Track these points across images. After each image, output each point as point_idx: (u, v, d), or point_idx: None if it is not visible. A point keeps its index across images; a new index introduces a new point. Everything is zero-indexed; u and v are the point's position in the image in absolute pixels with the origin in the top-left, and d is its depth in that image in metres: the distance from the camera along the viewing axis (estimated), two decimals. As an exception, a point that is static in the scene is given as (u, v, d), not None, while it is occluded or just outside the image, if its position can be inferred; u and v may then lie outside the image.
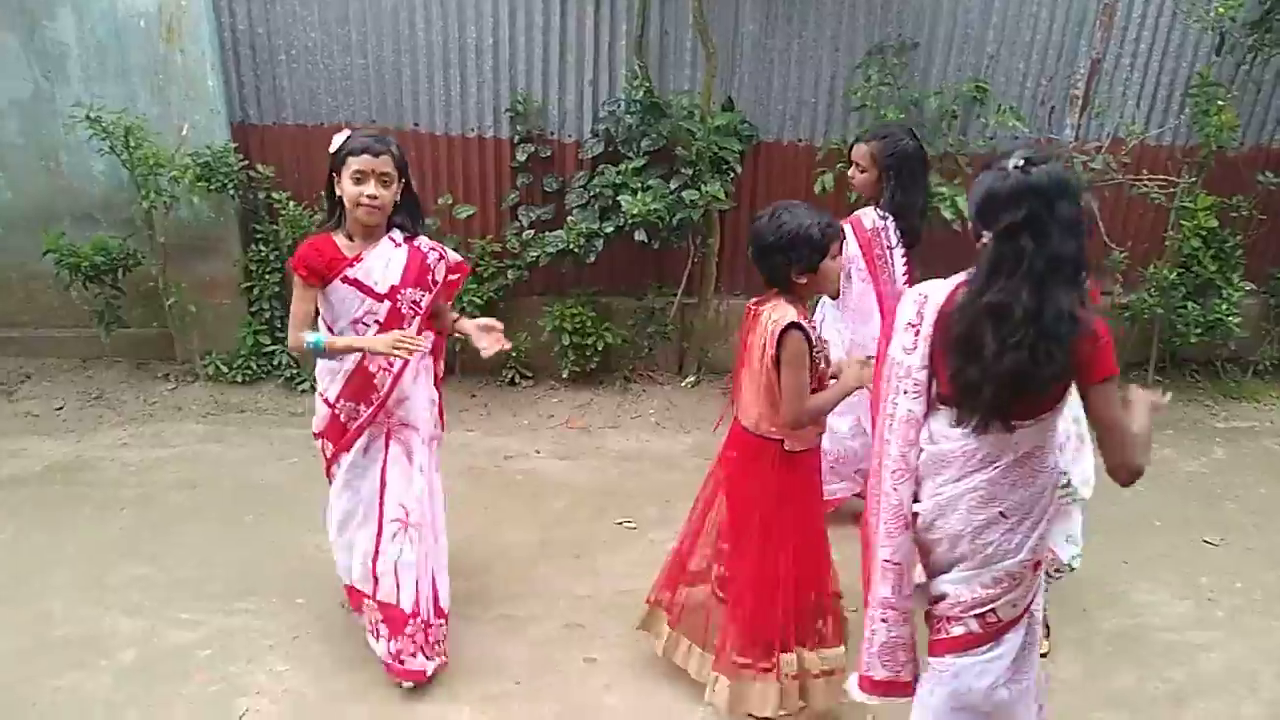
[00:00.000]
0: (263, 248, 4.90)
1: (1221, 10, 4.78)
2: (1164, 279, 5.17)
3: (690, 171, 4.81)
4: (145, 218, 4.74)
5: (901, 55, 5.00)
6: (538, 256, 4.94)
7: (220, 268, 4.96)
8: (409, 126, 4.97)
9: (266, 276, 4.93)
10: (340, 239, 2.77)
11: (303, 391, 4.95)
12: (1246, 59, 5.08)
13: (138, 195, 4.60)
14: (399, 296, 2.78)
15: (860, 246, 3.59)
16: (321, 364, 2.89)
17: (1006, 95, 5.13)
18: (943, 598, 2.28)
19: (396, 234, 2.80)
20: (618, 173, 4.80)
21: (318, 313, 2.78)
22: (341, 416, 2.89)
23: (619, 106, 4.89)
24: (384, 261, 2.77)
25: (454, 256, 2.95)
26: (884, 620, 2.32)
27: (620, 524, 3.96)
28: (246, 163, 4.80)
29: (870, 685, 2.37)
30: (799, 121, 5.17)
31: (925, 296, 2.20)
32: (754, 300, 2.74)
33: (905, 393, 2.22)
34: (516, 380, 5.21)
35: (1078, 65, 5.17)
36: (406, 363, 2.80)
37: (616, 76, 4.99)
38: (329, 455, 2.99)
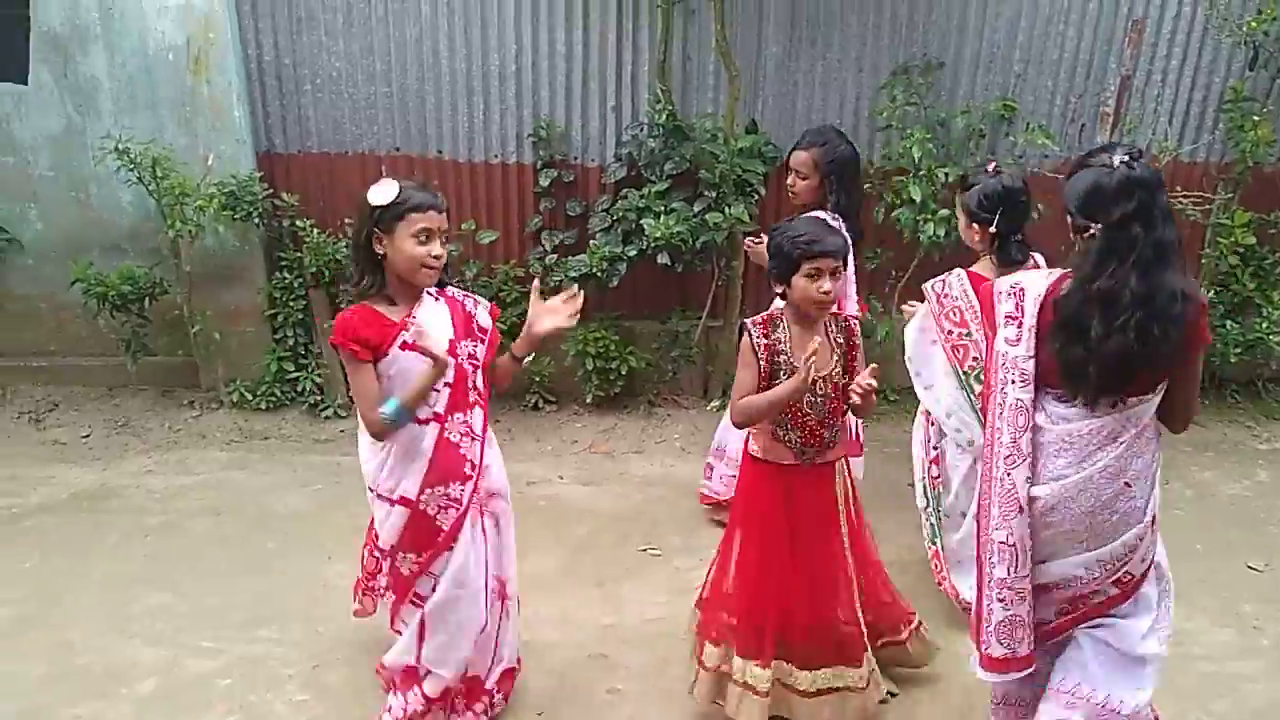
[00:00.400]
0: (287, 275, 4.93)
1: (1255, 24, 4.69)
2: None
3: (714, 194, 4.78)
4: (171, 247, 4.79)
5: (927, 75, 4.95)
6: (561, 281, 4.92)
7: (245, 296, 4.99)
8: (432, 154, 4.99)
9: (290, 304, 4.95)
10: (380, 306, 2.49)
11: (326, 418, 4.95)
12: (1281, 73, 5.00)
13: (164, 225, 4.65)
14: (458, 351, 2.54)
15: None
16: (375, 458, 2.55)
17: (1035, 113, 5.06)
18: (1065, 582, 2.38)
19: (430, 287, 2.57)
20: (641, 196, 4.79)
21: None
22: (430, 509, 2.53)
23: (642, 130, 4.88)
24: (433, 317, 2.52)
25: (484, 300, 2.73)
26: (1000, 600, 2.40)
27: (644, 551, 3.90)
28: (271, 191, 4.84)
29: (989, 663, 2.45)
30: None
31: (1022, 289, 2.32)
32: None
33: (1013, 382, 2.32)
34: (540, 405, 5.18)
35: (1107, 82, 5.09)
36: (486, 420, 2.59)
37: (639, 100, 4.99)
38: (411, 570, 2.58)
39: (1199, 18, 5.00)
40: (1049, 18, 4.97)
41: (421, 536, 2.54)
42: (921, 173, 4.71)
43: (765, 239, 3.62)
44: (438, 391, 2.49)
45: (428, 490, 2.51)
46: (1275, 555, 3.99)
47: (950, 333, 3.24)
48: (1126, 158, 2.17)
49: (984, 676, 2.47)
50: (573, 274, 4.87)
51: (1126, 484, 2.29)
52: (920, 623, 3.07)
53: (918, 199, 4.64)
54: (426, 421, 2.50)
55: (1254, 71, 5.01)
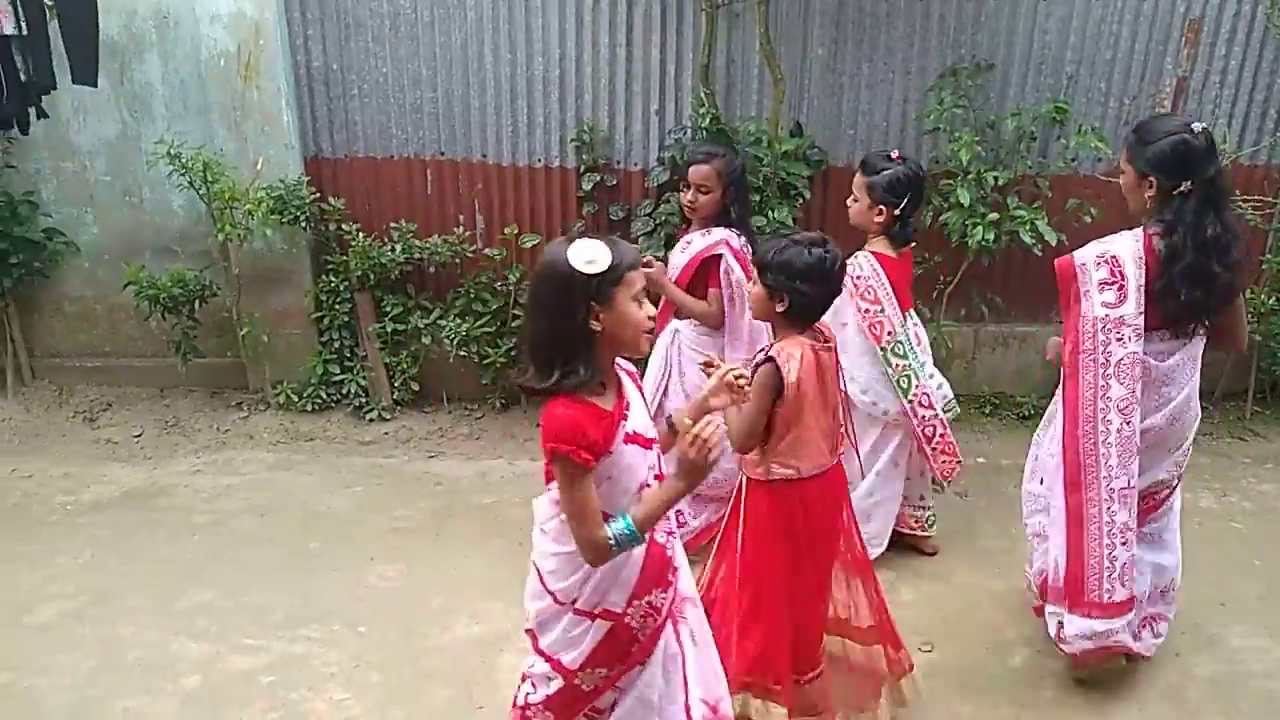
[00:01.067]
0: (333, 278, 4.98)
1: (1316, 22, 4.55)
2: (1262, 305, 4.90)
3: (757, 198, 4.74)
4: (220, 250, 4.87)
5: (976, 77, 4.86)
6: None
7: (292, 298, 5.05)
8: (476, 158, 5.02)
9: (336, 307, 5.00)
10: (588, 395, 2.01)
11: (370, 420, 5.00)
12: (1346, 73, 4.84)
13: (213, 228, 4.73)
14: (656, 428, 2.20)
15: (743, 267, 3.48)
16: (580, 573, 2.08)
17: (1087, 116, 4.95)
18: (1154, 487, 2.92)
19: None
20: (683, 200, 4.76)
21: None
22: (633, 623, 2.11)
23: (685, 134, 4.86)
24: (635, 396, 2.14)
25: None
26: (1124, 543, 2.72)
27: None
28: (318, 195, 4.90)
29: (1113, 609, 2.76)
30: (870, 146, 5.06)
31: (1115, 255, 2.68)
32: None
33: (1119, 340, 2.65)
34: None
35: (1163, 84, 4.97)
36: (679, 516, 2.32)
37: (683, 104, 4.97)
38: (595, 685, 2.15)
39: (1259, 17, 4.86)
40: (1101, 18, 4.87)
41: (617, 651, 2.13)
42: (970, 176, 4.64)
43: (655, 262, 3.57)
44: (649, 485, 2.08)
45: (635, 601, 2.10)
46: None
47: (866, 311, 3.47)
48: (1201, 127, 2.61)
49: (1100, 627, 2.77)
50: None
51: (1191, 393, 2.82)
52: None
53: (966, 202, 4.56)
54: None
55: (1317, 71, 4.86)
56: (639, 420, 2.09)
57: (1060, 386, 2.89)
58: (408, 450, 4.76)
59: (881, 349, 3.47)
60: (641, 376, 2.39)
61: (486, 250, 5.02)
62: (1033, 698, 3.08)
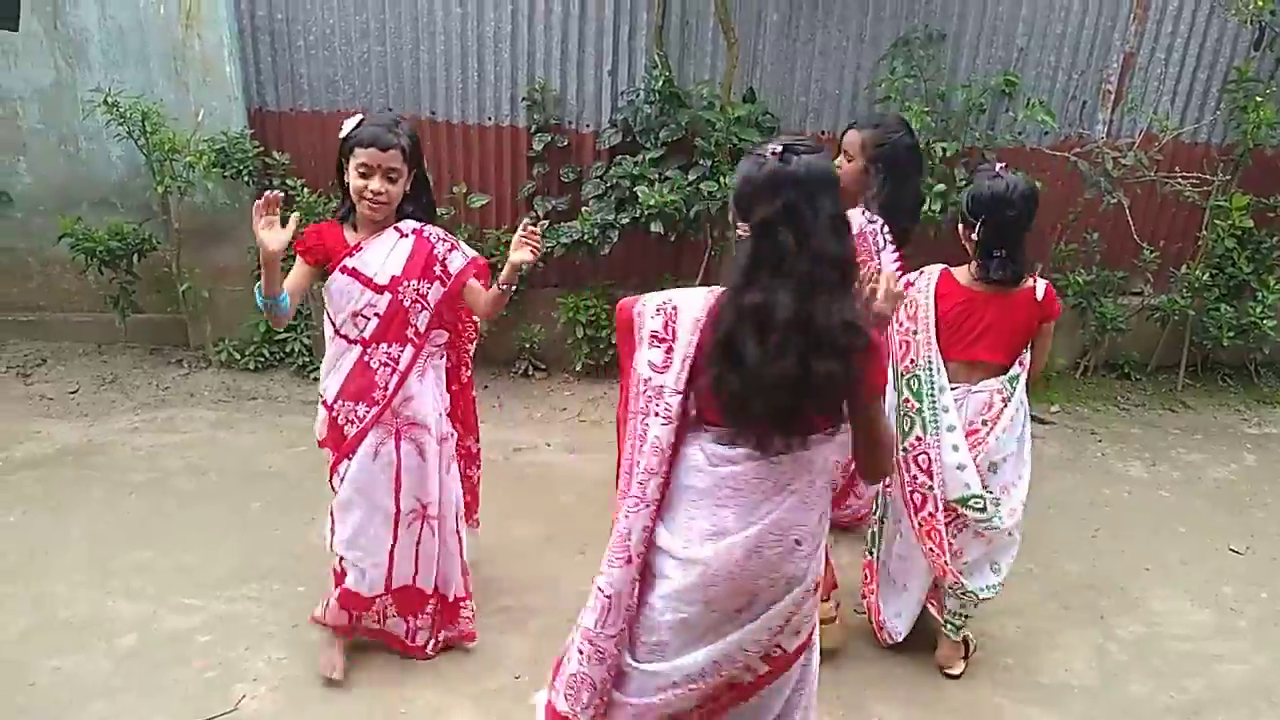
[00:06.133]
0: (277, 235, 4.88)
1: (1261, 3, 4.63)
2: (1197, 280, 5.03)
3: (709, 163, 4.73)
4: (161, 203, 4.75)
5: (928, 48, 4.89)
6: (553, 247, 4.89)
7: (234, 254, 4.95)
8: (426, 114, 4.93)
9: (280, 264, 4.90)
10: (346, 229, 2.68)
11: (314, 379, 4.92)
12: (1286, 54, 4.94)
13: (153, 180, 4.61)
14: (400, 288, 2.65)
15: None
16: (326, 361, 2.78)
17: (1036, 89, 5.01)
18: (719, 665, 2.01)
19: (405, 223, 2.68)
20: (635, 163, 4.74)
21: (318, 302, 2.67)
22: (339, 419, 2.75)
23: (638, 96, 4.83)
24: (385, 251, 2.65)
25: (468, 250, 2.77)
26: (580, 650, 2.10)
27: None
28: (262, 149, 4.79)
29: (551, 714, 2.21)
30: (821, 114, 5.08)
31: (675, 306, 1.98)
32: None
33: (656, 414, 1.97)
34: (530, 372, 5.16)
35: (1111, 59, 5.04)
36: (414, 359, 2.70)
37: (636, 66, 4.93)
38: (330, 461, 2.83)
39: (1205, -4, 4.94)
40: (1054, -9, 4.91)
41: (333, 438, 2.79)
42: (920, 147, 4.66)
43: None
44: (366, 319, 2.66)
45: (340, 401, 2.73)
46: (1258, 538, 4.00)
47: (902, 325, 2.90)
48: (781, 149, 1.83)
49: None
50: (565, 241, 4.84)
51: (796, 541, 1.98)
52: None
53: (914, 173, 4.59)
54: (354, 343, 2.69)
55: (1259, 52, 4.96)
56: (367, 265, 2.62)
57: None
58: (353, 410, 4.71)
59: (899, 373, 2.90)
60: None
61: (434, 209, 4.96)
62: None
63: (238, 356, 4.98)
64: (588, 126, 5.01)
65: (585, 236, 4.78)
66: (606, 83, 4.95)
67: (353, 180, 2.56)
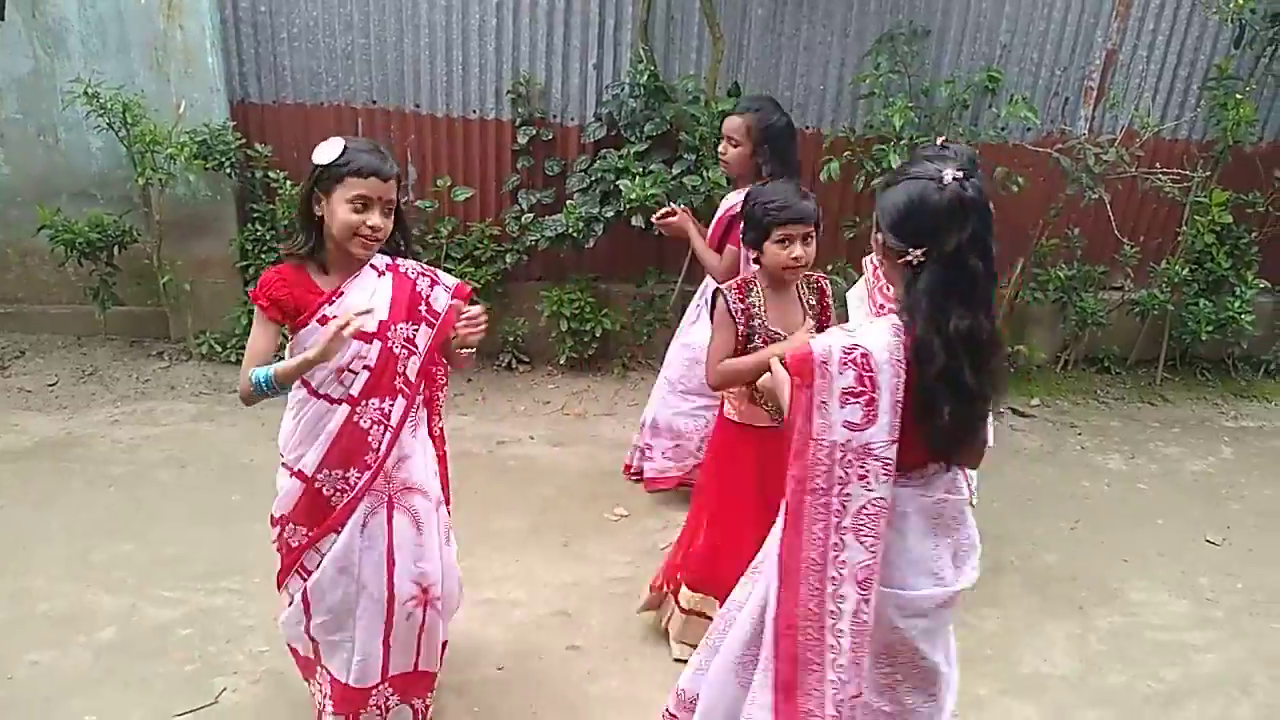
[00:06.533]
0: (259, 227, 4.86)
1: (1241, 2, 4.66)
2: (1176, 275, 5.08)
3: (693, 157, 4.73)
4: (141, 195, 4.72)
5: (912, 43, 4.90)
6: (537, 241, 4.88)
7: (216, 247, 4.92)
8: (409, 107, 4.91)
9: (262, 256, 4.88)
10: (312, 270, 2.28)
11: (298, 373, 4.91)
12: (1266, 52, 4.99)
13: (134, 172, 4.57)
14: (389, 334, 2.29)
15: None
16: (288, 426, 2.35)
17: (1019, 86, 5.03)
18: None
19: (378, 259, 2.31)
20: (620, 157, 4.74)
21: (280, 358, 2.26)
22: (325, 490, 2.34)
23: (623, 90, 4.82)
24: (368, 294, 2.28)
25: (449, 280, 2.42)
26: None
27: (612, 512, 3.91)
28: (244, 141, 4.76)
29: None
30: (806, 109, 5.09)
31: (866, 352, 1.81)
32: None
33: (862, 478, 1.83)
34: (513, 365, 5.16)
35: (1093, 56, 5.07)
36: (406, 412, 2.37)
37: (621, 60, 4.93)
38: (299, 543, 2.41)
39: (1187, -7, 4.98)
40: (1037, -12, 4.94)
41: (314, 512, 2.37)
42: (903, 142, 4.68)
43: (680, 211, 3.67)
44: (355, 374, 2.27)
45: (325, 470, 2.32)
46: (1234, 530, 4.04)
47: (883, 307, 2.81)
48: (960, 172, 1.79)
49: None
50: (549, 234, 4.83)
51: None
52: None
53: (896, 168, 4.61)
54: (339, 401, 2.29)
55: (1239, 50, 4.99)
56: (349, 311, 2.18)
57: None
58: (335, 404, 4.69)
59: None
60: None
61: (418, 203, 4.94)
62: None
63: (219, 349, 4.95)
64: (572, 120, 5.00)
65: (569, 230, 4.77)
66: (591, 76, 4.94)
67: (340, 214, 2.18)
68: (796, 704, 1.92)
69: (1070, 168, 4.85)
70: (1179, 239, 5.23)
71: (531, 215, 4.96)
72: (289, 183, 4.73)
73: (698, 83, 4.84)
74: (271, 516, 2.44)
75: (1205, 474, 4.54)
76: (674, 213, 3.74)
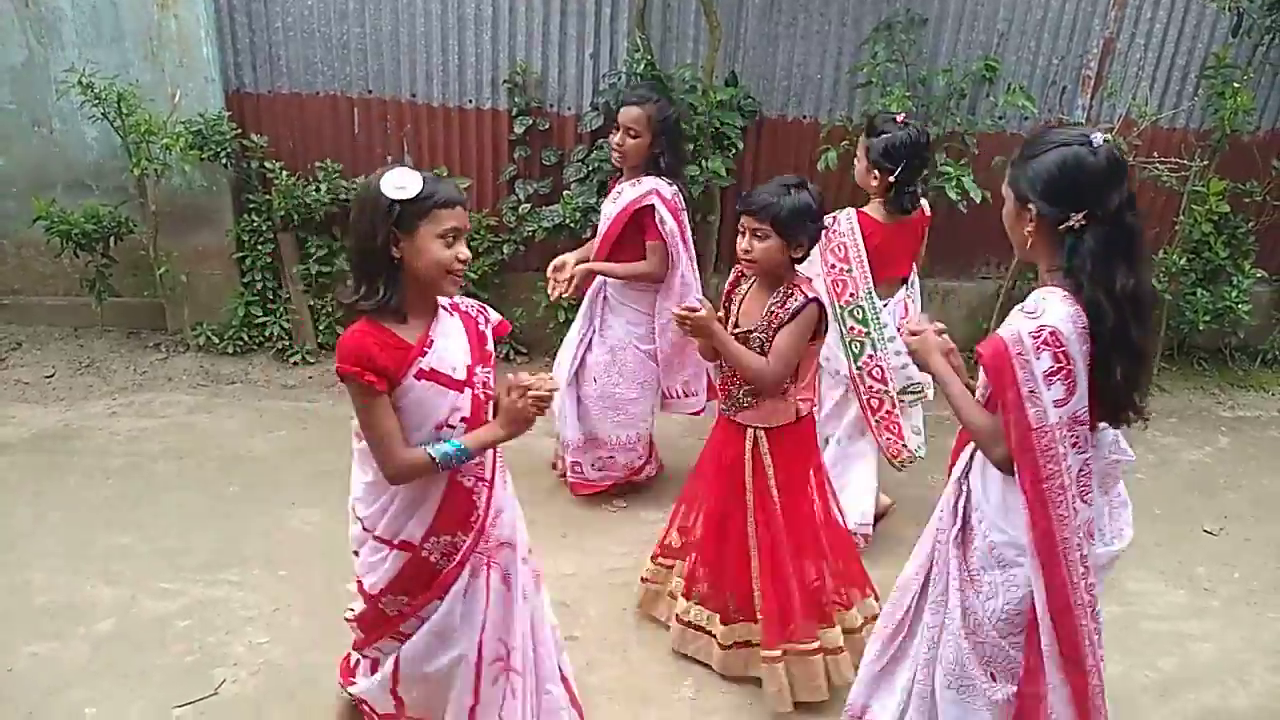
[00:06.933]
0: (255, 218, 4.85)
1: (1239, -11, 4.66)
2: (1173, 264, 5.07)
3: (691, 147, 4.72)
4: (137, 185, 4.70)
5: (910, 32, 4.88)
6: (534, 231, 4.88)
7: (212, 238, 4.91)
8: (405, 96, 4.89)
9: (259, 247, 4.88)
10: (389, 322, 2.05)
11: (293, 364, 4.91)
12: (1264, 40, 4.97)
13: (130, 162, 4.55)
14: (474, 379, 2.14)
15: (675, 218, 3.50)
16: (378, 500, 2.17)
17: (1016, 75, 5.02)
18: None
19: (443, 298, 2.16)
20: (616, 147, 4.72)
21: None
22: (432, 557, 2.19)
23: (620, 79, 4.80)
24: (453, 338, 2.13)
25: (494, 315, 2.31)
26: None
27: (610, 504, 3.91)
28: (240, 131, 4.73)
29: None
30: (803, 98, 5.08)
31: (1054, 330, 1.86)
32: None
33: (1077, 443, 1.91)
34: (511, 356, 5.16)
35: (1090, 45, 5.05)
36: (494, 462, 2.26)
37: (618, 49, 4.91)
38: (398, 611, 2.23)
39: (1184, -19, 4.96)
40: (1034, -24, 4.92)
41: (418, 581, 2.21)
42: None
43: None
44: (453, 428, 2.11)
45: (433, 538, 2.17)
46: (1231, 520, 4.06)
47: (833, 266, 3.33)
48: (1102, 137, 1.88)
49: None
50: (546, 224, 4.82)
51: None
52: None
53: (895, 157, 4.60)
54: None
55: (1236, 38, 4.98)
56: (444, 360, 2.08)
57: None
58: (331, 395, 4.69)
59: (840, 307, 3.32)
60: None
61: (415, 193, 4.92)
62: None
63: (216, 340, 4.95)
64: (569, 109, 4.98)
65: (567, 220, 4.77)
66: (588, 66, 4.92)
67: (430, 251, 1.99)
68: (1085, 678, 2.05)
69: (1068, 157, 4.84)
70: (1176, 228, 5.22)
71: (528, 205, 4.95)
72: (285, 174, 4.71)
73: (695, 72, 4.82)
74: (363, 590, 2.26)
75: (1202, 464, 4.55)
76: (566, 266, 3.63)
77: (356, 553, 2.28)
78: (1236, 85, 4.84)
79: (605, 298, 3.71)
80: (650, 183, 3.49)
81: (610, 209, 3.60)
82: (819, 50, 4.99)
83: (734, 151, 4.87)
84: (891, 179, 3.22)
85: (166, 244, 4.82)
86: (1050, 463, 1.89)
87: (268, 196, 4.80)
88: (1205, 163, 5.09)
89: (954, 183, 4.59)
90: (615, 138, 3.49)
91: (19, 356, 4.90)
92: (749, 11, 4.89)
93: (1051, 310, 1.86)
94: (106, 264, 4.77)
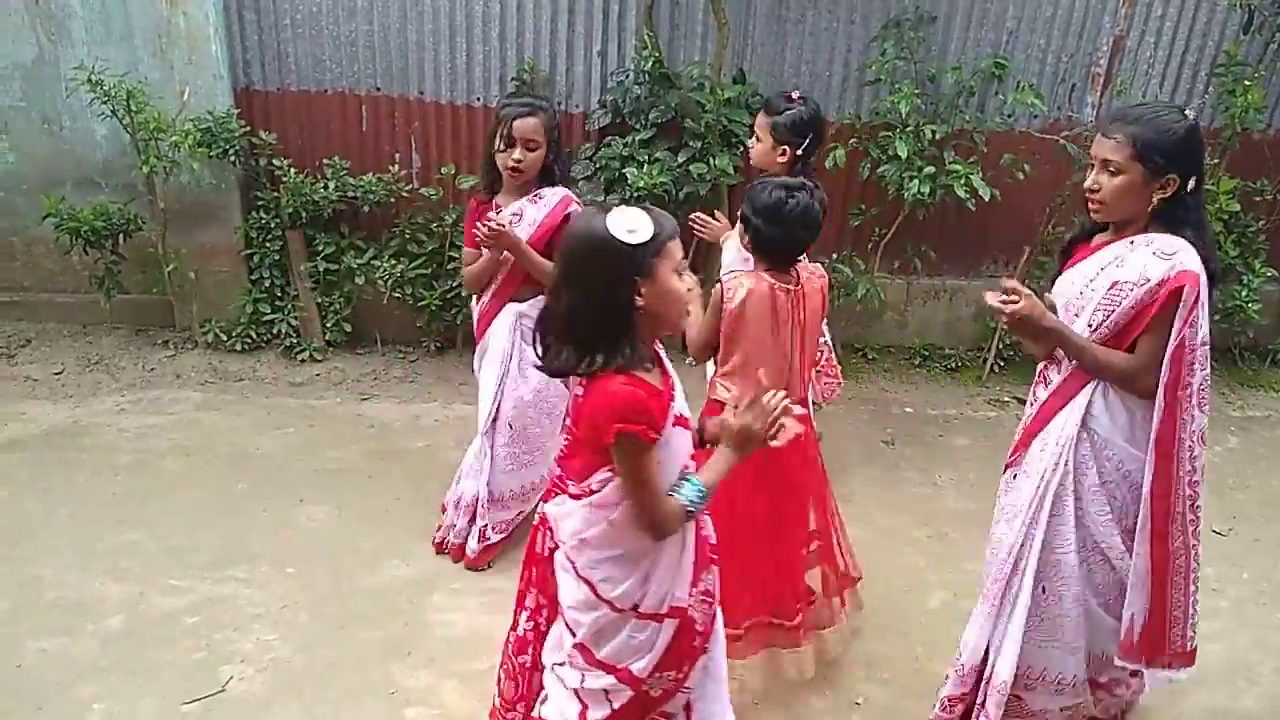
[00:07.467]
0: (264, 215, 4.86)
1: (1250, -14, 4.63)
2: (1182, 263, 5.04)
3: (699, 145, 4.72)
4: (146, 183, 4.71)
5: (919, 29, 4.86)
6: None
7: (221, 235, 4.91)
8: (413, 94, 4.90)
9: (267, 244, 4.89)
10: (642, 371, 1.89)
11: (301, 361, 4.92)
12: (1275, 38, 4.94)
13: (139, 160, 4.56)
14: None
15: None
16: (638, 573, 1.96)
17: (1026, 72, 5.00)
18: None
19: None
20: (624, 145, 4.72)
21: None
22: (695, 614, 2.01)
23: (627, 77, 4.80)
24: (673, 374, 2.01)
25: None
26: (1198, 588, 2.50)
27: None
28: (248, 128, 4.74)
29: (1191, 656, 2.54)
30: (812, 95, 5.04)
31: (1196, 274, 2.23)
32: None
33: (1203, 362, 2.30)
34: (519, 355, 5.15)
35: (1100, 42, 5.03)
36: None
37: (626, 47, 4.90)
38: (663, 690, 2.05)
39: (1194, -22, 4.93)
40: (1044, -27, 4.90)
41: (685, 648, 2.02)
42: (909, 129, 4.66)
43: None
44: (687, 469, 1.98)
45: (694, 589, 2.00)
46: (1240, 520, 4.04)
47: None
48: (1193, 110, 2.45)
49: (1182, 676, 2.54)
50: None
51: None
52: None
53: (904, 155, 4.59)
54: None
55: (1248, 35, 4.94)
56: (681, 401, 1.99)
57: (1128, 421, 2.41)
58: (340, 392, 4.70)
59: None
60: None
61: (422, 190, 4.92)
62: (945, 639, 3.19)
63: (224, 337, 4.96)
64: (577, 107, 4.98)
65: (574, 218, 4.75)
66: (596, 63, 4.92)
67: (672, 289, 1.87)
68: (1168, 546, 2.35)
69: (1077, 155, 4.82)
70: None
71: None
72: (293, 171, 4.72)
73: (703, 69, 4.81)
74: (631, 677, 2.01)
75: (1211, 464, 4.51)
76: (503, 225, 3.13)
77: (589, 644, 2.02)
78: (1247, 83, 4.81)
79: (523, 332, 3.31)
80: (559, 191, 3.26)
81: (535, 214, 3.23)
82: (827, 48, 4.97)
83: (742, 150, 4.86)
84: (799, 153, 3.29)
85: (175, 241, 4.83)
86: (1189, 375, 2.25)
87: (276, 194, 4.81)
88: (1215, 161, 5.07)
89: (963, 181, 4.58)
90: (514, 154, 3.10)
91: (28, 353, 4.92)
92: (757, 9, 4.88)
93: (1188, 257, 2.21)
94: (115, 261, 4.78)
